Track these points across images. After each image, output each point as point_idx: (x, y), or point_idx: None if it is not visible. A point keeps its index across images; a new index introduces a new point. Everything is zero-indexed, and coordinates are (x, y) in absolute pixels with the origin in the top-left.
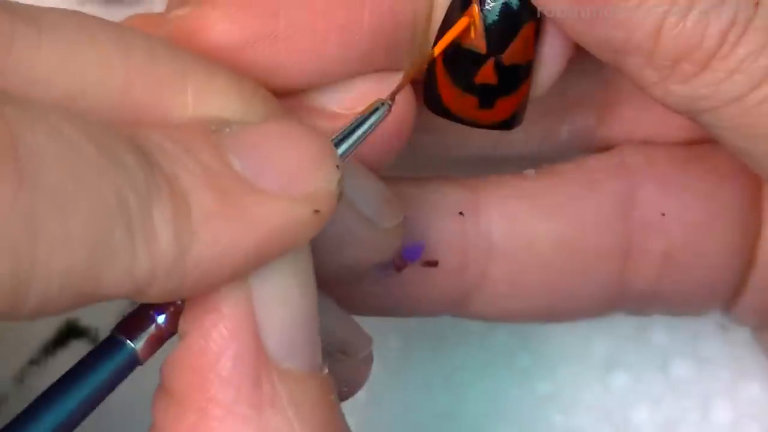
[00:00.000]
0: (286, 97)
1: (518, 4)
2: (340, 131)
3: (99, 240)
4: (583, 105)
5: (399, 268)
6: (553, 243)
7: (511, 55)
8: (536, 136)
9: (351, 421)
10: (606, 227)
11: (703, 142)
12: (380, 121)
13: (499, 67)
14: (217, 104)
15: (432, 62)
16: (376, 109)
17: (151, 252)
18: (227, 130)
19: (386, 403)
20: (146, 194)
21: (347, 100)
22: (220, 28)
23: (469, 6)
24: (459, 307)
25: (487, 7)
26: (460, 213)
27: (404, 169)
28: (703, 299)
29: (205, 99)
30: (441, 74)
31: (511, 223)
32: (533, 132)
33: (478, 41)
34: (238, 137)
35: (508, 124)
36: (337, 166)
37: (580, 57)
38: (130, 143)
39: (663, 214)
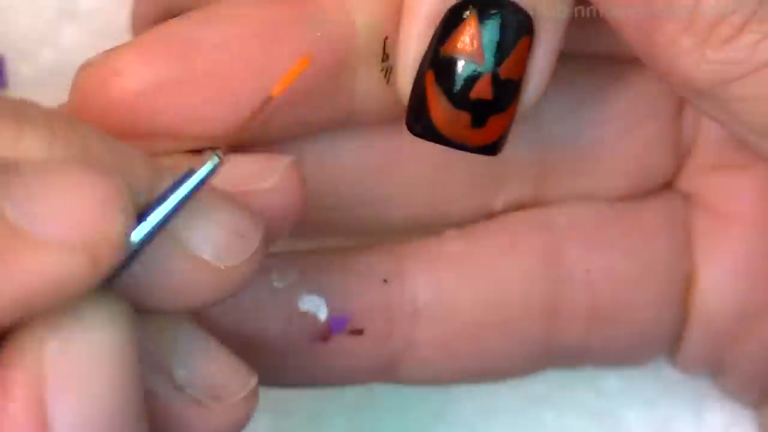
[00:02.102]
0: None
1: (517, 16)
2: (169, 186)
3: None
4: (519, 174)
5: (325, 339)
6: (479, 304)
7: (507, 69)
8: (470, 207)
9: (342, 421)
10: (530, 285)
11: (630, 197)
12: (210, 176)
13: (495, 82)
14: (7, 144)
15: (422, 79)
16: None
17: None
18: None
19: (378, 404)
20: None
21: (235, 179)
22: (133, 70)
23: (465, 18)
24: (388, 373)
25: (486, 20)
26: (384, 280)
27: (335, 234)
28: (638, 352)
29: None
30: (432, 90)
31: (435, 287)
32: (468, 203)
33: (476, 54)
34: (17, 179)
35: (493, 147)
36: (128, 213)
37: (519, 126)
38: None
39: (588, 270)
